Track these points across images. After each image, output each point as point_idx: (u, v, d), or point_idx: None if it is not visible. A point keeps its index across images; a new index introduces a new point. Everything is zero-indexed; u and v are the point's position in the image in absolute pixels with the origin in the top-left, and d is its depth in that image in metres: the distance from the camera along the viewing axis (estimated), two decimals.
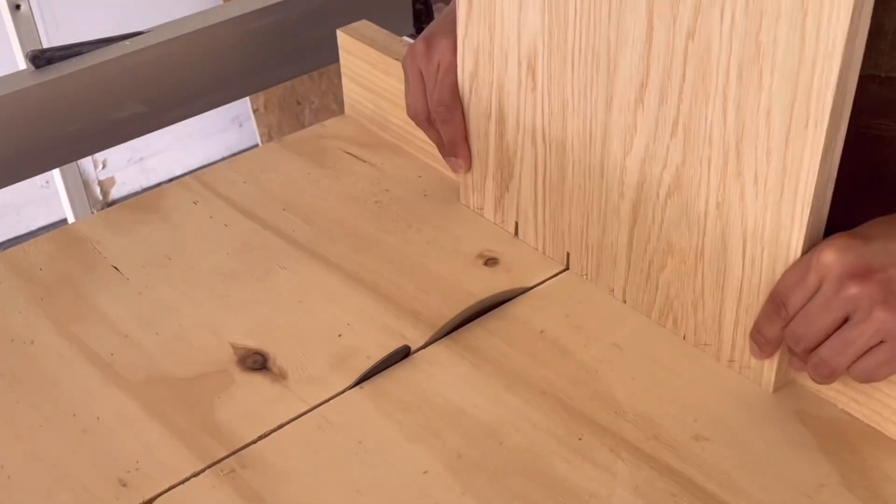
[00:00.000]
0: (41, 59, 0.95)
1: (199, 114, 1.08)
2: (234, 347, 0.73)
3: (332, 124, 1.00)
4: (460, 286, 0.79)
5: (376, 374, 0.71)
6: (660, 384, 0.69)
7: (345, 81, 0.99)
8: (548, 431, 0.66)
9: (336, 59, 0.98)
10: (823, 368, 0.63)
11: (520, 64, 0.76)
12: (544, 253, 0.82)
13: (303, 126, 2.27)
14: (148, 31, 1.01)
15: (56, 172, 1.94)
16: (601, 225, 0.76)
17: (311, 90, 2.27)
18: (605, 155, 0.73)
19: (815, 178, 0.60)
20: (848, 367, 0.62)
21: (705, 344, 0.72)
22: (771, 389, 0.68)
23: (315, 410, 0.68)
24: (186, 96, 1.05)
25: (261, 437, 0.67)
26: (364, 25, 0.96)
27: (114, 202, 2.50)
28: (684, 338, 0.73)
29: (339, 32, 0.96)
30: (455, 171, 0.87)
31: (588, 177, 0.75)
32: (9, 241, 2.38)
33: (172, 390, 0.70)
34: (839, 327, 0.61)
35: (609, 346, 0.73)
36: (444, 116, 0.83)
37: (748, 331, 0.68)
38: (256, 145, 2.36)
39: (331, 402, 0.69)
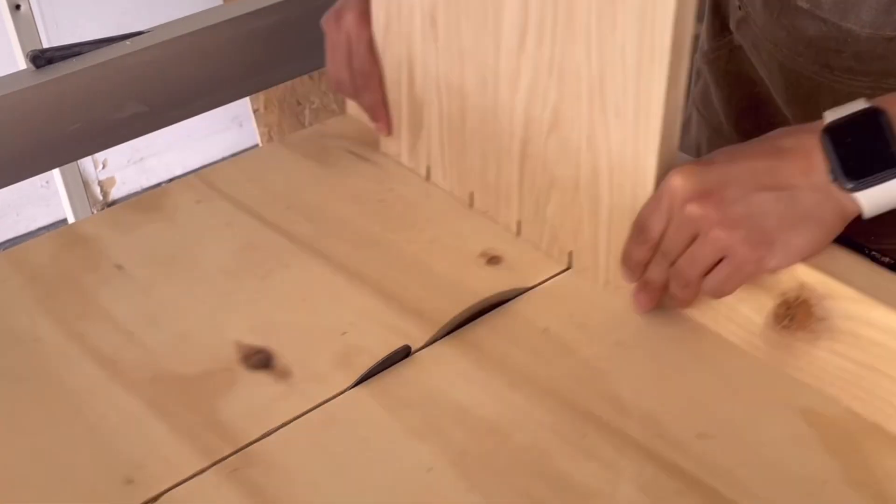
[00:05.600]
0: (41, 59, 0.95)
1: (199, 114, 1.07)
2: (238, 345, 0.73)
3: (333, 124, 1.00)
4: (463, 285, 0.79)
5: (377, 373, 0.71)
6: (664, 383, 0.70)
7: None
8: (552, 429, 0.66)
9: None
10: (680, 279, 0.70)
11: (423, 17, 0.83)
12: (453, 194, 0.88)
13: (303, 126, 2.28)
14: (148, 31, 1.01)
15: (56, 172, 1.95)
16: (497, 165, 0.82)
17: (311, 90, 2.27)
18: (496, 98, 0.79)
19: (663, 107, 0.66)
20: (702, 286, 0.69)
21: (585, 269, 0.78)
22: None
23: (320, 408, 0.68)
24: (186, 96, 1.05)
25: (265, 435, 0.67)
26: None
27: (114, 202, 2.51)
28: (569, 266, 0.79)
29: None
30: (380, 134, 0.93)
31: (484, 120, 0.81)
32: (9, 241, 2.38)
33: (177, 388, 0.70)
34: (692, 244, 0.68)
35: (613, 345, 0.73)
36: (363, 83, 0.90)
37: (619, 253, 0.74)
38: (256, 145, 2.37)
39: (335, 399, 0.69)
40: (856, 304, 0.64)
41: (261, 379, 0.71)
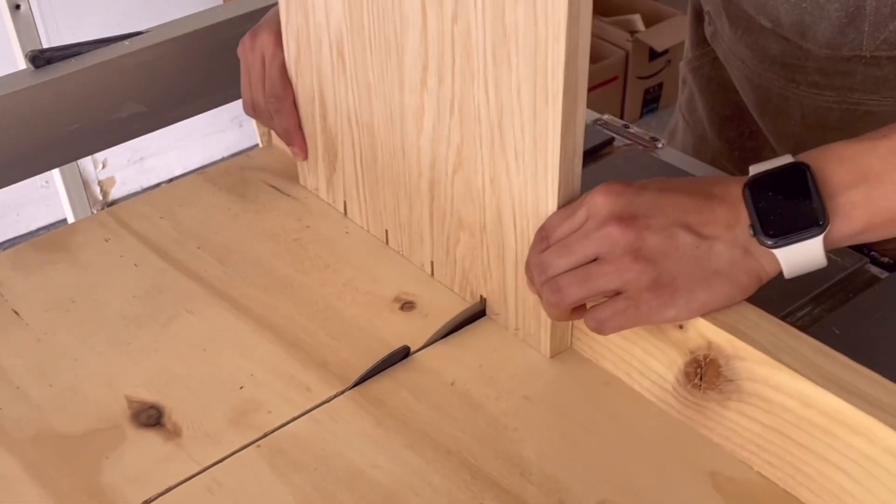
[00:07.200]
0: (41, 59, 0.94)
1: (199, 114, 1.07)
2: (129, 401, 0.70)
3: (257, 155, 0.96)
4: (372, 333, 0.75)
5: (375, 374, 0.70)
6: (570, 443, 0.66)
7: None
8: (448, 495, 0.63)
9: None
10: (555, 295, 0.64)
11: (331, 48, 0.79)
12: (369, 231, 0.85)
13: None
14: (148, 31, 1.00)
15: (56, 172, 1.95)
16: (408, 203, 0.79)
17: None
18: (404, 136, 0.76)
19: (559, 151, 0.63)
20: (586, 314, 0.65)
21: (496, 314, 0.75)
22: (548, 355, 0.72)
23: (206, 472, 0.65)
24: (186, 96, 1.04)
25: (148, 501, 0.63)
26: None
27: (114, 202, 2.50)
28: (483, 311, 0.76)
29: None
30: (296, 159, 0.90)
31: (394, 156, 0.78)
32: (9, 241, 2.38)
33: (59, 449, 0.67)
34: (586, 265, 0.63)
35: (521, 399, 0.69)
36: (276, 107, 0.87)
37: (526, 300, 0.71)
38: (256, 145, 2.35)
39: (224, 462, 0.66)
40: (762, 367, 0.60)
41: (149, 438, 0.67)
